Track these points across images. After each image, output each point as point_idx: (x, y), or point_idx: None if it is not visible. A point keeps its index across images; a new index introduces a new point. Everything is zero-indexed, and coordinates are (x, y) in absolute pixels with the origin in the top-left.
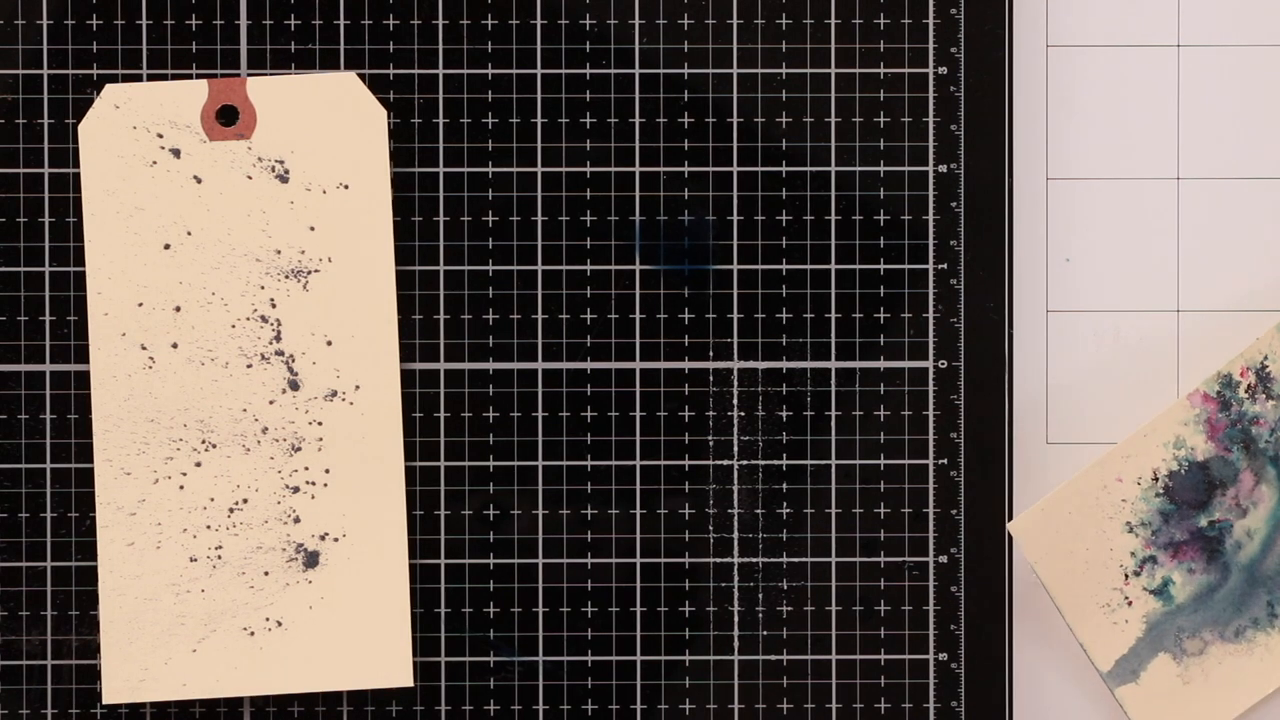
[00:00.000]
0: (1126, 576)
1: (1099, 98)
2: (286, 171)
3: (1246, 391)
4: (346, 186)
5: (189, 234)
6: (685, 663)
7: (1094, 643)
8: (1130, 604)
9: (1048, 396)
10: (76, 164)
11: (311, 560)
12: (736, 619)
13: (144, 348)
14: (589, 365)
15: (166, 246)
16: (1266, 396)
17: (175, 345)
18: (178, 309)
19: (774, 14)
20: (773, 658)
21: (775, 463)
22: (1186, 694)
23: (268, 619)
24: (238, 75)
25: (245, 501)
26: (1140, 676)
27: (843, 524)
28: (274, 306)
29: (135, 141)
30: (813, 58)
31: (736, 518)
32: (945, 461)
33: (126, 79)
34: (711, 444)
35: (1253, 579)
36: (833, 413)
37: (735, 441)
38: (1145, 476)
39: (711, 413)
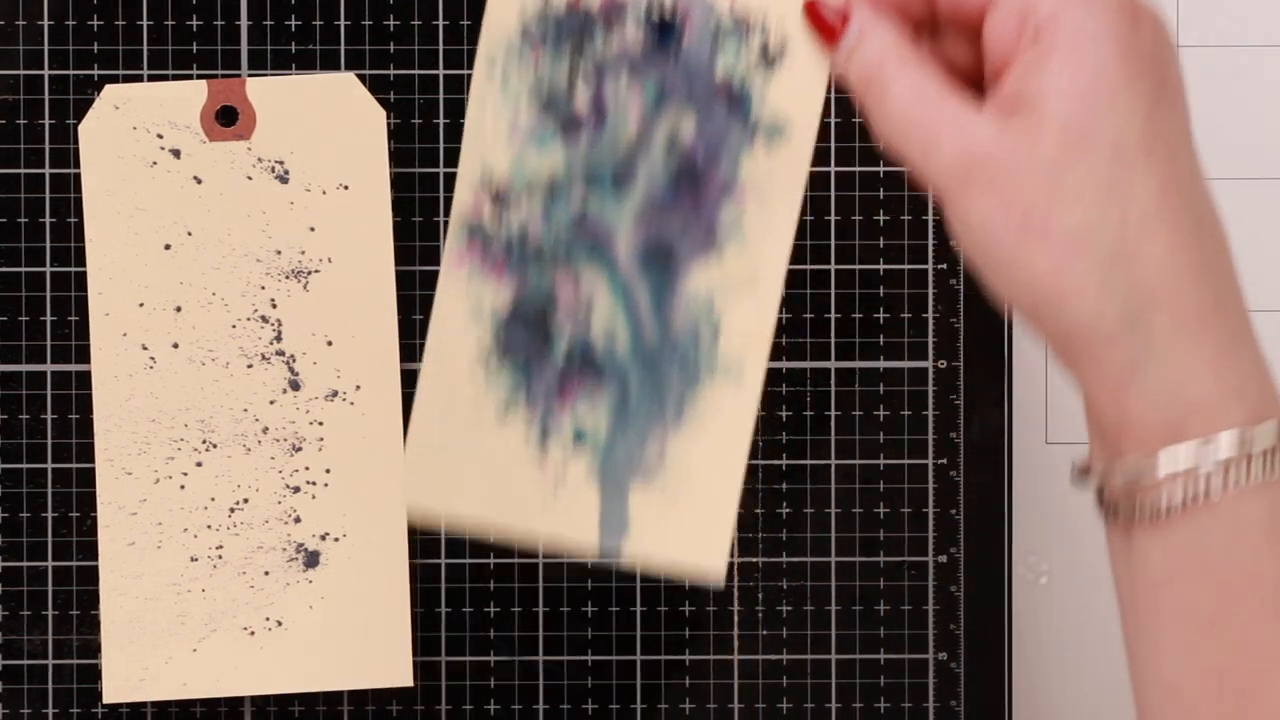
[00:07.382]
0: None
1: None
2: (286, 172)
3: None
4: (346, 187)
5: (189, 234)
6: (685, 663)
7: None
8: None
9: (1047, 397)
10: (77, 164)
11: (312, 560)
12: (736, 619)
13: (145, 348)
14: None
15: (167, 247)
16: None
17: (176, 345)
18: (178, 309)
19: None
20: (773, 658)
21: (775, 463)
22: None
23: (268, 619)
24: (237, 76)
25: (246, 501)
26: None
27: (843, 524)
28: (274, 307)
29: (135, 142)
30: None
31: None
32: (945, 461)
33: (127, 79)
34: None
35: (650, 363)
36: (833, 413)
37: None
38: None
39: None
